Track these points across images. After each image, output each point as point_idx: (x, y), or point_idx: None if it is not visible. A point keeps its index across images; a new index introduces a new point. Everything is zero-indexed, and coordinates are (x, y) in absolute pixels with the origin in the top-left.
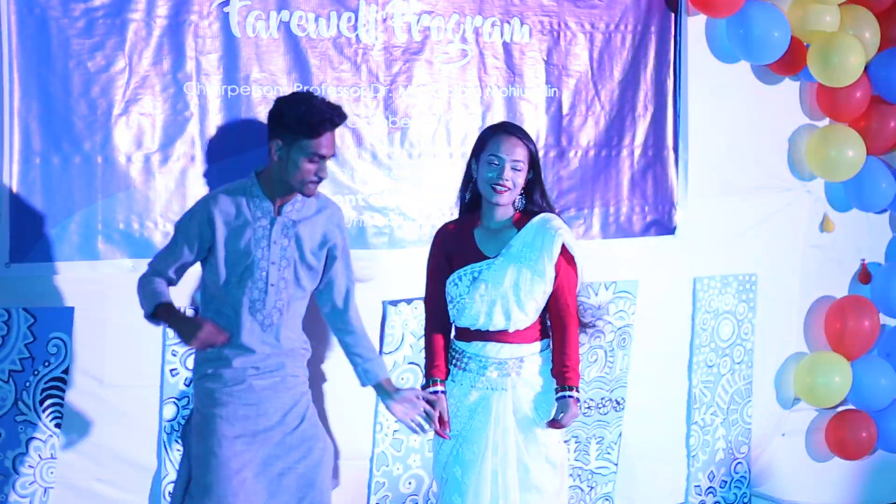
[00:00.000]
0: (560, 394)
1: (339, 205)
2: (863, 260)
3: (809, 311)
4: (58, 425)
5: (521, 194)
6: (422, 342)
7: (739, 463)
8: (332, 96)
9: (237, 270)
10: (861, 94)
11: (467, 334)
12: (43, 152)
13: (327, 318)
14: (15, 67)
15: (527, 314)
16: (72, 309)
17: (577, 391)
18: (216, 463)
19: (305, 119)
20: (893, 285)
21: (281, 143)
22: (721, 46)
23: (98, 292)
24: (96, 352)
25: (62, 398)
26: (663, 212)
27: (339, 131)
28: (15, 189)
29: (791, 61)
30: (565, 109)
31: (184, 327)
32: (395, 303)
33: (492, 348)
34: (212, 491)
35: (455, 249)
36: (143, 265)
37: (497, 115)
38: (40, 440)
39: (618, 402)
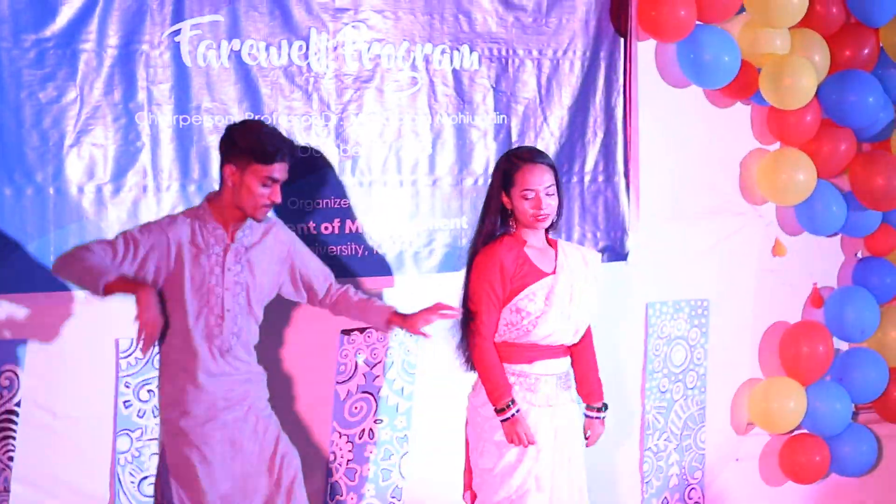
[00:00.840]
0: (593, 413)
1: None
2: (815, 284)
3: (763, 336)
4: (10, 458)
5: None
6: (375, 370)
7: (693, 489)
8: (284, 125)
9: (194, 296)
10: (812, 117)
11: (527, 353)
12: None
13: (331, 310)
14: None
15: (584, 328)
16: (24, 341)
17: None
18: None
19: (259, 146)
20: (846, 309)
21: (234, 168)
22: (671, 71)
23: (50, 324)
24: (48, 384)
25: (14, 431)
26: (615, 238)
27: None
28: None
29: (742, 85)
30: (514, 136)
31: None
32: (348, 332)
33: (553, 364)
34: None
35: (513, 268)
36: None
37: (447, 143)
38: None
39: None
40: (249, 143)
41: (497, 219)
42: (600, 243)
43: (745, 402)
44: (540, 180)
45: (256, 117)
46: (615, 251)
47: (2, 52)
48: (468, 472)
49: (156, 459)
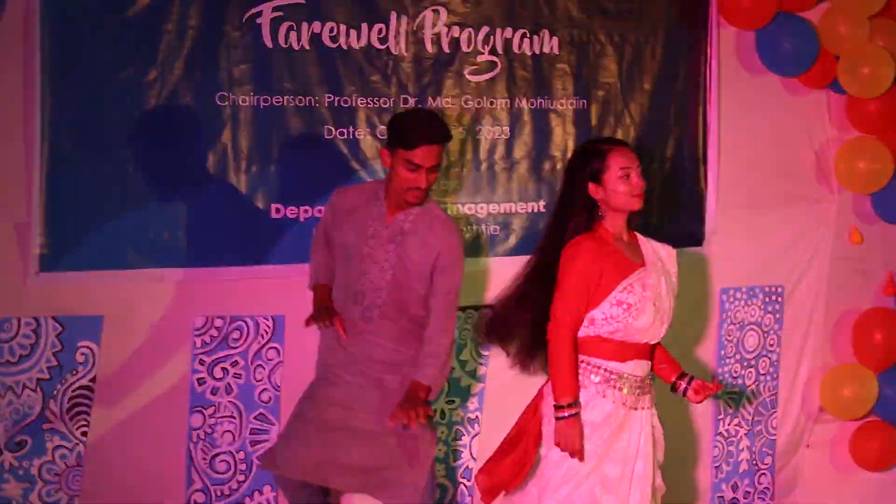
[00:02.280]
0: (685, 381)
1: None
2: (890, 272)
3: (836, 323)
4: (84, 434)
5: None
6: None
7: (763, 474)
8: (363, 107)
9: (348, 262)
10: (889, 106)
11: (621, 350)
12: (74, 162)
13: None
14: (47, 77)
15: (668, 323)
16: (100, 318)
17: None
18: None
19: (403, 131)
20: None
21: (388, 152)
22: (750, 59)
23: (127, 301)
24: (124, 360)
25: (89, 407)
26: (692, 223)
27: (368, 144)
28: (45, 199)
29: (820, 73)
30: (594, 121)
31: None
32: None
33: (641, 366)
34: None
35: (606, 263)
36: (171, 275)
37: (525, 127)
38: (67, 448)
39: None
40: (398, 128)
41: (585, 211)
42: (677, 229)
43: (817, 389)
44: (633, 158)
45: (336, 99)
46: (692, 237)
47: (83, 32)
48: (502, 461)
49: (228, 436)
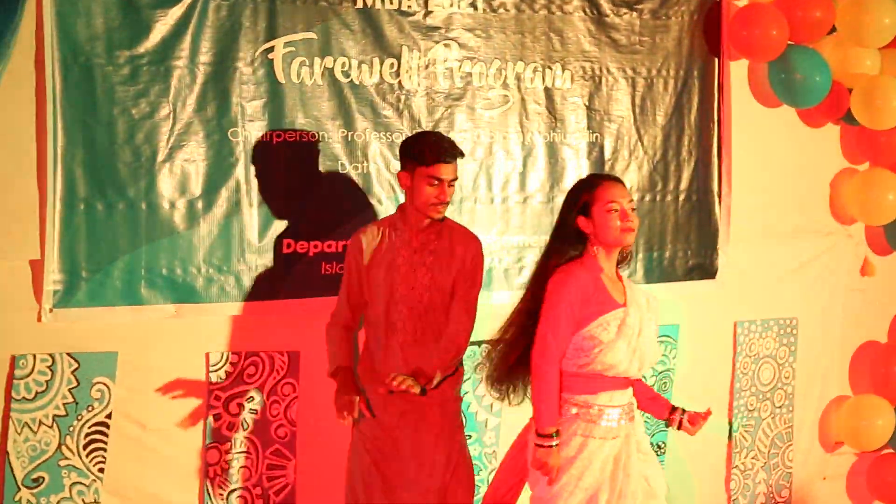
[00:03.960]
0: (677, 415)
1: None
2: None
3: (853, 356)
4: (101, 470)
5: None
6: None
7: None
8: (375, 141)
9: (380, 295)
10: None
11: (591, 383)
12: (87, 198)
13: None
14: (59, 114)
15: (649, 365)
16: (115, 354)
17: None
18: None
19: (420, 150)
20: None
21: (406, 174)
22: (763, 91)
23: (141, 337)
24: (139, 396)
25: (105, 443)
26: (705, 256)
27: (382, 177)
28: (59, 235)
29: (833, 105)
30: (608, 154)
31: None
32: None
33: (618, 396)
34: None
35: (590, 295)
36: (185, 310)
37: (538, 160)
38: (84, 484)
39: (659, 447)
40: (415, 148)
41: (574, 241)
42: (691, 261)
43: (833, 421)
44: (623, 193)
45: (349, 133)
46: (705, 269)
47: (96, 68)
48: (496, 490)
49: (244, 472)
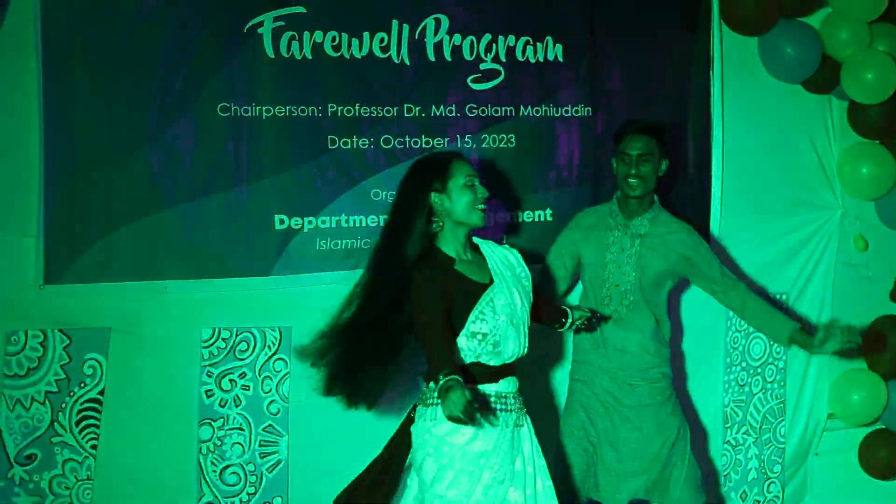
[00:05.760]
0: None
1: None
2: None
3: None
4: (94, 446)
5: None
6: None
7: (772, 483)
8: (366, 116)
9: (594, 271)
10: (892, 111)
11: (493, 372)
12: (80, 174)
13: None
14: (48, 90)
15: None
16: (107, 330)
17: None
18: None
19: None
20: None
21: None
22: (753, 65)
23: (133, 313)
24: (132, 372)
25: (98, 419)
26: (697, 230)
27: (372, 151)
28: (50, 211)
29: (824, 79)
30: (600, 129)
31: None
32: None
33: (513, 382)
34: None
35: (451, 287)
36: (177, 286)
37: (530, 135)
38: (76, 461)
39: None
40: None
41: (421, 226)
42: None
43: (825, 396)
44: (473, 170)
45: (338, 108)
46: None
47: (83, 45)
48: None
49: (237, 448)
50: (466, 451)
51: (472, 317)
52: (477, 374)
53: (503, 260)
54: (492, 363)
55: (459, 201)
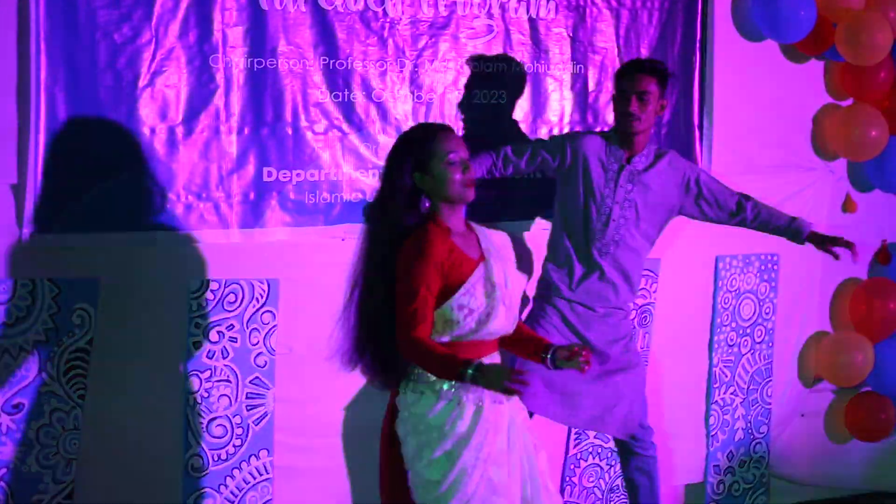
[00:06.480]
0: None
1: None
2: (883, 241)
3: (833, 292)
4: (81, 396)
5: None
6: None
7: (759, 443)
8: (359, 70)
9: (589, 201)
10: (886, 73)
11: (473, 349)
12: (68, 123)
13: (740, 225)
14: (42, 38)
15: (518, 314)
16: (97, 279)
17: None
18: None
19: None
20: None
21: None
22: (747, 24)
23: (122, 264)
24: (121, 323)
25: (86, 369)
26: None
27: (362, 105)
28: (39, 160)
29: (817, 40)
30: (591, 86)
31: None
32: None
33: (493, 359)
34: None
35: (448, 261)
36: (165, 237)
37: (522, 91)
38: (64, 411)
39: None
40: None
41: (408, 202)
42: None
43: (813, 357)
44: (460, 143)
45: (331, 62)
46: None
47: None
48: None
49: (224, 400)
50: (446, 431)
51: (462, 289)
52: (459, 349)
53: (493, 241)
54: (473, 339)
55: (443, 180)
